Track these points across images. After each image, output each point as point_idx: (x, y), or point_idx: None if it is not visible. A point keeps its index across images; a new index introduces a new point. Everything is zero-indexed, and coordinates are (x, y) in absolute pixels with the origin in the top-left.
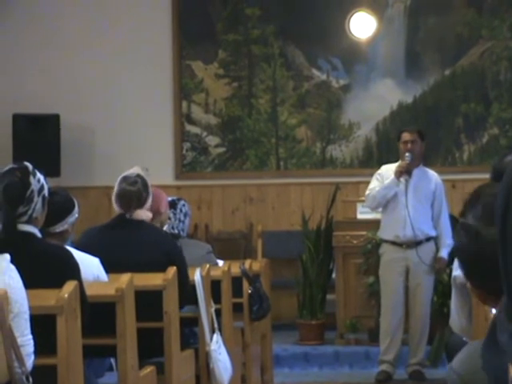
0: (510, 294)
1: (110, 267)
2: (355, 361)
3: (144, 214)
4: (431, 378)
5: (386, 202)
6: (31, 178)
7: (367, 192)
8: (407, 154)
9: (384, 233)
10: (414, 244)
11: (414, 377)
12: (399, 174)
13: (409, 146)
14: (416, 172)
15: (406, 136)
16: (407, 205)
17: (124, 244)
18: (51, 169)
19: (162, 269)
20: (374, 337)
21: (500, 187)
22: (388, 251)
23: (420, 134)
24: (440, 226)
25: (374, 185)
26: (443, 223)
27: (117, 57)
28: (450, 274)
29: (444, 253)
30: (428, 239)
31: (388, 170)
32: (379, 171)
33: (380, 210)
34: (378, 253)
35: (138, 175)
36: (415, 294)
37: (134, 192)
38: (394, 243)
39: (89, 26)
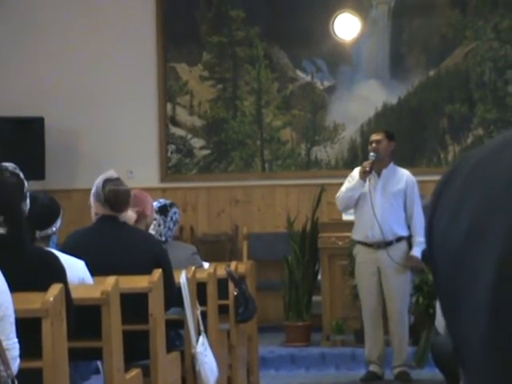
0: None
1: (96, 270)
2: (341, 362)
3: (131, 215)
4: (417, 379)
5: (356, 203)
6: (21, 174)
7: (337, 194)
8: (371, 154)
9: (356, 233)
10: (384, 245)
11: (400, 378)
12: (363, 174)
13: (373, 145)
14: (385, 172)
15: (371, 137)
16: (373, 205)
17: (110, 246)
18: (36, 172)
19: (147, 271)
20: (360, 338)
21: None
22: (361, 252)
23: (387, 135)
24: (412, 224)
25: (345, 186)
26: (416, 221)
27: (101, 59)
28: None
29: (416, 251)
30: (399, 239)
31: None
32: (352, 173)
33: (351, 211)
34: (353, 254)
35: (118, 178)
36: (389, 294)
37: (127, 191)
38: (365, 244)
39: (73, 28)
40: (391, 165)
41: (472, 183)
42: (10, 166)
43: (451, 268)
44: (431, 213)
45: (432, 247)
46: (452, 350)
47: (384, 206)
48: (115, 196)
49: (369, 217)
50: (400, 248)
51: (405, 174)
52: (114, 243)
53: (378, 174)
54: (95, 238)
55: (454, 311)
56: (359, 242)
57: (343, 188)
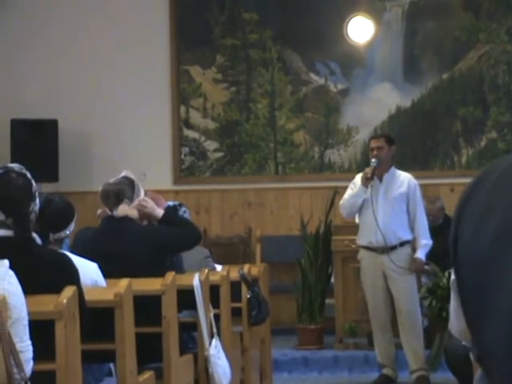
0: (471, 328)
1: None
2: (354, 365)
3: (127, 209)
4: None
5: (359, 209)
6: (28, 174)
7: (341, 201)
8: (373, 160)
9: (360, 239)
10: (387, 249)
11: (419, 383)
12: (365, 180)
13: (374, 152)
14: (386, 177)
15: (371, 143)
16: (374, 211)
17: (108, 238)
18: (49, 174)
19: (155, 263)
20: (372, 341)
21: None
22: (365, 257)
23: (387, 140)
24: (416, 226)
25: (348, 194)
26: (419, 224)
27: (115, 62)
28: (448, 278)
29: (420, 253)
30: (402, 244)
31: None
32: (354, 180)
33: (356, 217)
34: (357, 258)
35: (124, 176)
36: (397, 297)
37: (112, 189)
38: (369, 249)
39: (87, 31)
40: (392, 169)
41: (497, 194)
42: (16, 166)
43: (477, 275)
44: (456, 223)
45: (457, 256)
46: (469, 355)
47: (386, 210)
48: (100, 195)
49: (371, 222)
50: (404, 252)
51: (406, 177)
52: (111, 237)
53: (380, 179)
54: (100, 240)
55: (479, 318)
56: (363, 247)
57: (346, 195)
